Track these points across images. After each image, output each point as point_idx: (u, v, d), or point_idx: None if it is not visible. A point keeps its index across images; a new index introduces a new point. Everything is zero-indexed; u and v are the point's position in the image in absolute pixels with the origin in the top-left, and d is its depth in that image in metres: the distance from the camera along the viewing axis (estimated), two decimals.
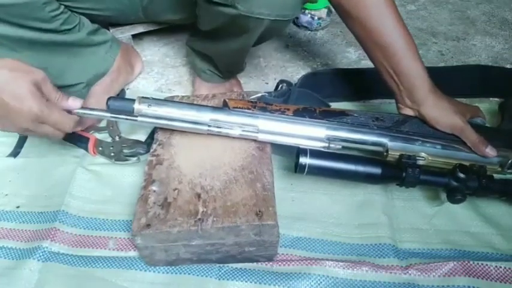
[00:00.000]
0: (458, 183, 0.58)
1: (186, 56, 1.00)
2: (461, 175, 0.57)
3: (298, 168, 0.56)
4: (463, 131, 0.59)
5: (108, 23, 0.91)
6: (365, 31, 0.59)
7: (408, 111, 0.62)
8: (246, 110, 0.60)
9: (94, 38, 0.76)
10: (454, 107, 0.60)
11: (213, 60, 0.78)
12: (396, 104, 0.64)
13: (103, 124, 0.78)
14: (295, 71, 0.95)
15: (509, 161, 0.60)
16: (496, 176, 0.61)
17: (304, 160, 0.56)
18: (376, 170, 0.57)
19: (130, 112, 0.60)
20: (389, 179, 0.59)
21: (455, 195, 0.57)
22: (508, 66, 0.93)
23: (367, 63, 0.95)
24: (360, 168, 0.57)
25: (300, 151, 0.56)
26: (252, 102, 0.62)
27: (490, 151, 0.59)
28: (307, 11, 1.05)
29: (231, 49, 0.70)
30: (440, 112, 0.59)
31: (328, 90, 0.80)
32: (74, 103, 0.56)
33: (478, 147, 0.59)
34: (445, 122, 0.59)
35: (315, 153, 0.57)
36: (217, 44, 0.72)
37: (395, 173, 0.58)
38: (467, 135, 0.59)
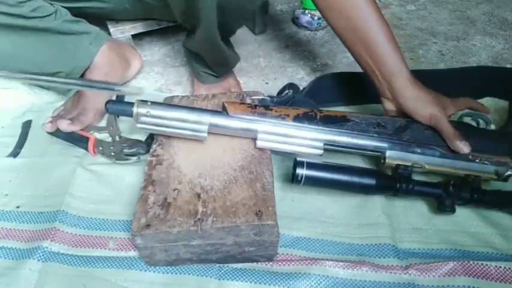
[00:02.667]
0: (450, 198, 0.60)
1: (185, 56, 1.00)
2: (453, 191, 0.59)
3: (295, 179, 0.58)
4: (438, 121, 0.59)
5: (105, 19, 0.91)
6: (346, 21, 0.61)
7: (389, 105, 0.64)
8: (246, 116, 0.61)
9: (71, 27, 0.75)
10: (433, 98, 0.60)
11: (203, 59, 0.78)
12: (380, 99, 0.65)
13: (103, 124, 0.78)
14: (295, 71, 0.95)
15: (509, 172, 0.61)
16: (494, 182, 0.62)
17: (300, 171, 0.57)
18: (371, 181, 0.59)
19: (130, 116, 0.60)
20: (384, 189, 0.62)
21: (445, 208, 0.60)
22: (508, 66, 0.93)
23: None
24: (355, 179, 0.59)
25: (297, 163, 0.58)
26: (251, 107, 0.62)
27: (464, 146, 0.59)
28: (307, 11, 1.05)
29: (204, 41, 0.71)
30: (418, 102, 0.60)
31: (339, 93, 0.80)
32: None
33: (452, 141, 0.59)
34: (422, 112, 0.60)
35: (312, 165, 0.58)
36: (194, 38, 0.73)
37: (390, 184, 0.61)
38: (443, 125, 0.59)
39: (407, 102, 0.60)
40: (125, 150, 0.71)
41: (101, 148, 0.72)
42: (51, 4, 0.72)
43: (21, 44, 0.69)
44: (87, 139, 0.73)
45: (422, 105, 0.60)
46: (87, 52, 0.78)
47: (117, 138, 0.74)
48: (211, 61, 0.78)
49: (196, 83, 0.86)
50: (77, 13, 0.79)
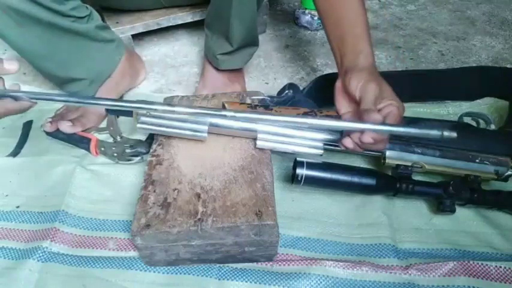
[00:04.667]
0: (449, 198, 0.60)
1: (186, 56, 1.00)
2: (453, 192, 0.59)
3: (295, 179, 0.58)
4: (365, 90, 0.53)
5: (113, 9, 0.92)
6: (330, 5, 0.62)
7: (339, 82, 0.59)
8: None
9: (101, 33, 0.75)
10: (376, 80, 0.55)
11: (228, 38, 0.77)
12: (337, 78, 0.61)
13: (103, 125, 0.78)
14: (295, 71, 0.95)
15: (509, 172, 0.61)
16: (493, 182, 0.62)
17: (300, 171, 0.58)
18: (371, 182, 0.59)
19: (130, 116, 0.60)
20: (384, 189, 0.62)
21: (445, 208, 0.60)
22: (508, 66, 0.93)
23: None
24: (355, 179, 0.59)
25: (297, 163, 0.58)
26: (251, 107, 0.62)
27: (377, 116, 0.51)
28: (307, 11, 1.05)
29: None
30: (362, 74, 0.55)
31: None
32: (9, 66, 0.51)
33: (368, 112, 0.52)
34: (356, 78, 0.55)
35: (312, 165, 0.58)
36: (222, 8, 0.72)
37: (390, 184, 0.61)
38: (368, 96, 0.53)
39: (353, 75, 0.56)
40: (127, 151, 0.71)
41: (102, 149, 0.72)
42: (86, 7, 0.72)
43: (52, 44, 0.68)
44: (88, 140, 0.72)
45: (365, 77, 0.55)
46: (109, 61, 0.79)
47: (118, 138, 0.73)
48: (241, 36, 0.76)
49: (207, 69, 0.85)
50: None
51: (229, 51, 0.79)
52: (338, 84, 0.60)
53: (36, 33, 0.65)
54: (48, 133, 0.75)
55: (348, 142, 0.55)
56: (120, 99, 0.83)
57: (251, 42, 0.81)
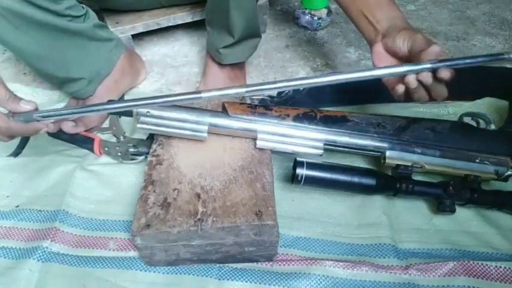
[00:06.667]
0: (449, 198, 0.60)
1: (186, 56, 1.00)
2: (453, 192, 0.59)
3: (295, 179, 0.58)
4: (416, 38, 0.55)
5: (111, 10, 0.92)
6: None
7: (379, 46, 0.60)
8: (245, 117, 0.61)
9: (99, 32, 0.75)
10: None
11: (229, 30, 0.77)
12: (371, 47, 0.62)
13: (106, 125, 0.78)
14: (295, 71, 0.95)
15: (509, 172, 0.61)
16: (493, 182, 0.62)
17: (300, 171, 0.58)
18: (371, 182, 0.59)
19: (130, 115, 0.60)
20: (384, 189, 0.62)
21: (445, 208, 0.60)
22: (508, 66, 0.93)
23: (367, 63, 0.95)
24: (355, 179, 0.59)
25: (297, 163, 0.58)
26: (251, 107, 0.62)
27: (437, 48, 0.52)
28: (307, 11, 1.05)
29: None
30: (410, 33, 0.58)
31: (339, 94, 0.79)
32: (25, 106, 0.54)
33: (426, 50, 0.52)
34: (406, 37, 0.56)
35: (312, 165, 0.59)
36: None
37: (390, 184, 0.61)
38: (418, 42, 0.54)
39: (398, 33, 0.57)
40: (131, 150, 0.71)
41: (106, 149, 0.72)
42: (82, 6, 0.72)
43: (49, 45, 0.68)
44: (92, 140, 0.72)
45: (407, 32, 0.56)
46: (107, 60, 0.78)
47: (121, 138, 0.73)
48: (242, 26, 0.76)
49: (210, 66, 0.85)
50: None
51: (231, 44, 0.79)
52: (378, 48, 0.60)
53: (33, 34, 0.65)
54: (50, 134, 0.74)
55: (404, 86, 0.54)
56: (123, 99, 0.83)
57: (253, 33, 0.81)
